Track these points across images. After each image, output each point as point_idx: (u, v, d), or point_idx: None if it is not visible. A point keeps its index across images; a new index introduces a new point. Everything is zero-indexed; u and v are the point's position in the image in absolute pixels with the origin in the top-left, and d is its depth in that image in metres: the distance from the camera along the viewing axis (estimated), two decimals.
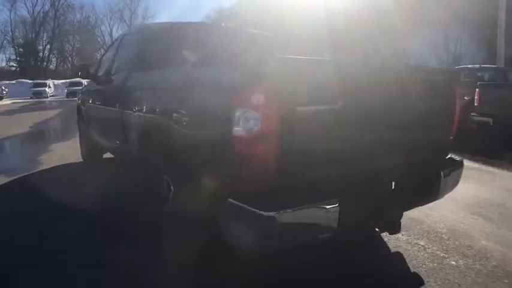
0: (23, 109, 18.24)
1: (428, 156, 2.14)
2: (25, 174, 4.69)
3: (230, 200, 1.64)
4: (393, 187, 1.88)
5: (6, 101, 24.20)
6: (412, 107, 1.96)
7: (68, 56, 55.98)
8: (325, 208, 1.61)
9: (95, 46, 55.10)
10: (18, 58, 49.19)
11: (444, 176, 2.15)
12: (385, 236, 2.72)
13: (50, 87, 33.48)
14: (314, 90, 1.58)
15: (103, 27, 57.73)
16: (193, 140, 1.96)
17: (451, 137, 2.39)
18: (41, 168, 5.09)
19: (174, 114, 2.07)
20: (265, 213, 1.51)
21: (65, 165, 5.27)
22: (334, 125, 1.66)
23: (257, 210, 1.53)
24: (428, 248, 2.55)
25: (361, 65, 1.85)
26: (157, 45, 3.04)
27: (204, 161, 1.88)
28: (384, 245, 2.61)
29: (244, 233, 1.66)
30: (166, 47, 3.00)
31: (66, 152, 6.09)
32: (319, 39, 18.70)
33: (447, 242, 2.66)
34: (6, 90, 27.95)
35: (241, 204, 1.59)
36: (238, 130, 1.58)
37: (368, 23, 19.93)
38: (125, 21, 55.82)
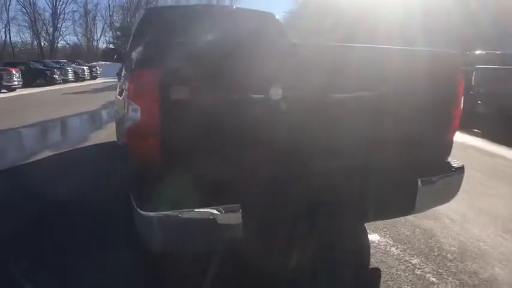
0: (108, 88, 19.57)
1: (399, 160, 1.73)
2: (69, 149, 5.13)
3: (130, 194, 1.49)
4: (336, 195, 1.54)
5: (98, 80, 26.56)
6: (368, 98, 1.58)
7: None
8: (223, 212, 1.36)
9: None
10: (115, 41, 53.45)
11: (423, 185, 1.73)
12: (374, 247, 2.35)
13: None
14: (208, 79, 1.34)
15: None
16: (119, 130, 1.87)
17: (451, 136, 1.93)
18: (86, 144, 5.48)
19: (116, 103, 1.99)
20: (145, 213, 1.34)
21: (107, 143, 5.56)
22: (235, 119, 1.39)
23: (139, 210, 1.35)
24: (419, 269, 2.12)
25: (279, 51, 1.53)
26: (143, 30, 3.00)
27: (121, 152, 1.76)
28: (365, 258, 2.23)
29: (139, 229, 1.50)
30: (145, 31, 2.95)
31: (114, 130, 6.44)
32: (402, 25, 17.36)
33: (448, 264, 2.19)
34: (100, 70, 30.59)
35: (132, 201, 1.43)
36: (127, 122, 1.41)
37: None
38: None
